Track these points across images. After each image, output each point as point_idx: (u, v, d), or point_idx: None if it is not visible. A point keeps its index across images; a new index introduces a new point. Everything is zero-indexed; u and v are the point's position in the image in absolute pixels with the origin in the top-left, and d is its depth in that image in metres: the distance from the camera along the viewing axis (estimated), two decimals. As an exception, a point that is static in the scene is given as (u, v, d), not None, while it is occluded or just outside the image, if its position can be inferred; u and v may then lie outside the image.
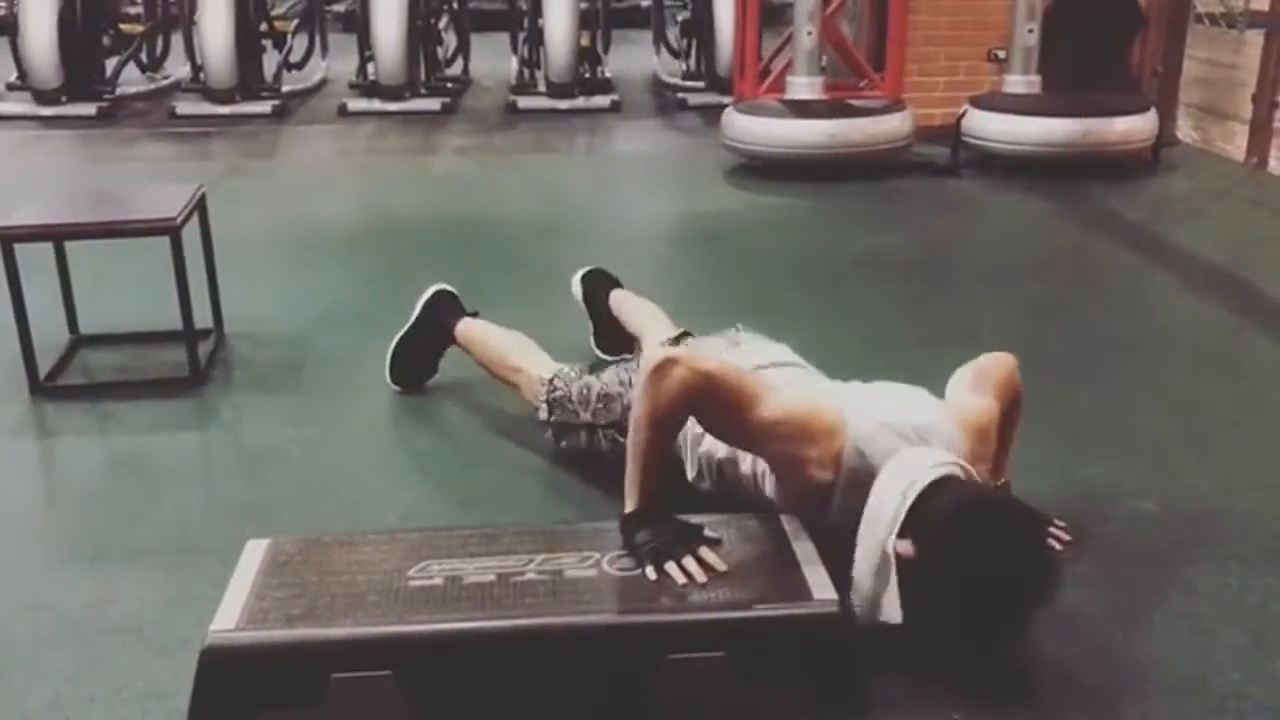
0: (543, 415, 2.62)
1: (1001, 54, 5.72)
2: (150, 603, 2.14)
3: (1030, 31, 5.53)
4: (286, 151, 6.54)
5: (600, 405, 2.50)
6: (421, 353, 3.03)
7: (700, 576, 1.89)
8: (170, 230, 2.98)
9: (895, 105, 5.59)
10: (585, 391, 2.53)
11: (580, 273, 3.23)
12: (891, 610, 1.85)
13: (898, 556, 1.84)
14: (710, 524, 2.04)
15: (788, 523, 2.06)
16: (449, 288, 3.04)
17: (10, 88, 7.42)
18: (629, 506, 2.03)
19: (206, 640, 1.77)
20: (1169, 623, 2.07)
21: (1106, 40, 5.90)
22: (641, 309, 3.03)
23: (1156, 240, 4.58)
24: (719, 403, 2.02)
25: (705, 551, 1.94)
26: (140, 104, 7.57)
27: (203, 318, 3.26)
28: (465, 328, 2.93)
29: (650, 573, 1.90)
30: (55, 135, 6.76)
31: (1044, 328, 3.61)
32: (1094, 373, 3.22)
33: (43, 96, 7.06)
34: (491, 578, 1.90)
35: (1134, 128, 5.43)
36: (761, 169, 5.50)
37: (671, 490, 2.03)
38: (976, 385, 2.22)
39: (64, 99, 7.08)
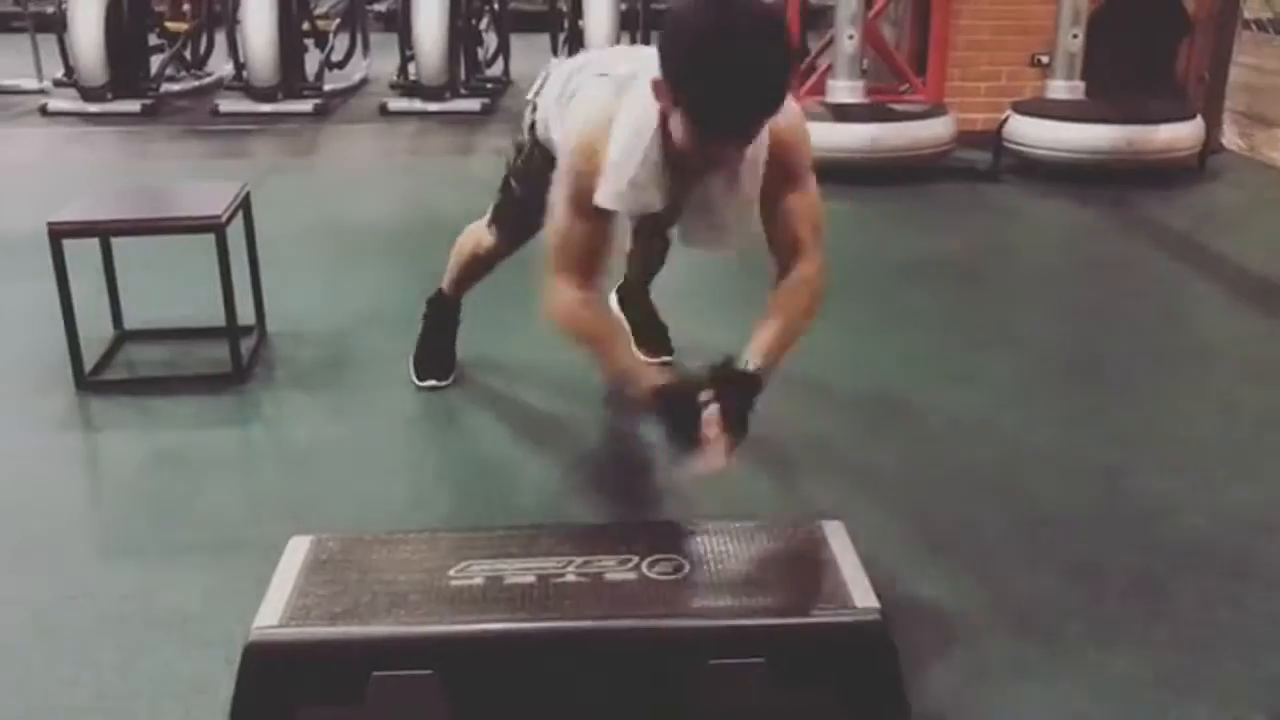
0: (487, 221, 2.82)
1: (1044, 59, 5.68)
2: (193, 597, 2.16)
3: (1075, 36, 5.49)
4: (328, 150, 6.58)
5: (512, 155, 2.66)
6: (440, 340, 3.09)
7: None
8: (215, 228, 3.00)
9: (938, 110, 5.56)
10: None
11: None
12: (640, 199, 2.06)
13: (658, 86, 1.94)
14: (749, 529, 2.04)
15: (828, 528, 2.06)
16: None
17: (58, 84, 7.53)
18: (650, 383, 2.14)
19: (250, 636, 1.78)
20: (1219, 638, 2.04)
21: (1152, 46, 5.85)
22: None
23: (1201, 249, 4.53)
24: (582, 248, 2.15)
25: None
26: (184, 101, 7.64)
27: (245, 315, 3.29)
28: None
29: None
30: (100, 131, 6.84)
31: (1087, 336, 3.57)
32: (1138, 382, 3.19)
33: (89, 93, 7.15)
34: (531, 579, 1.90)
35: (1179, 135, 5.37)
36: (801, 172, 5.48)
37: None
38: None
39: (110, 96, 7.16)
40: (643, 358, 3.05)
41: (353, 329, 3.54)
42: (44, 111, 7.18)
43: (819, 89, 5.78)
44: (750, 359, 2.12)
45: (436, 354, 3.09)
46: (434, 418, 2.97)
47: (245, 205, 3.33)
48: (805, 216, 2.19)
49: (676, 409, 2.08)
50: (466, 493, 2.59)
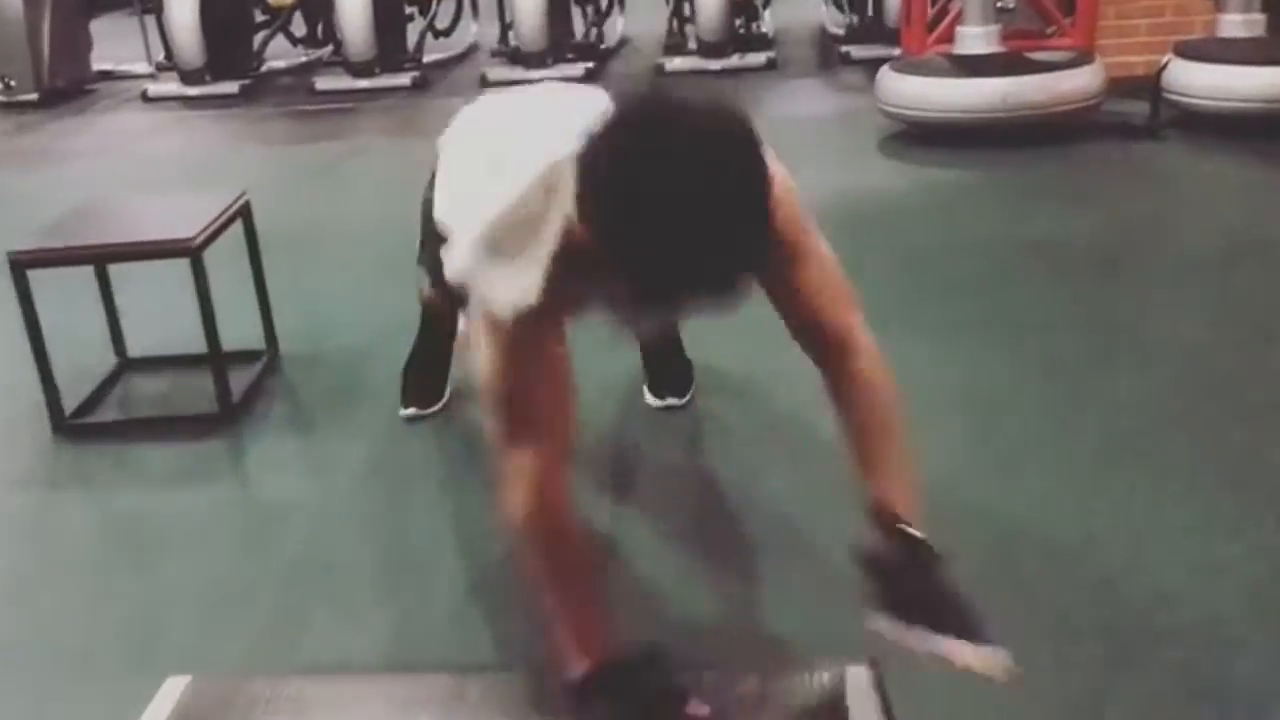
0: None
1: (1218, -12, 4.86)
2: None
3: (1255, -38, 4.66)
4: (421, 127, 6.18)
5: None
6: (432, 360, 2.71)
7: None
8: (188, 252, 2.63)
9: (1082, 57, 4.81)
10: None
11: None
12: None
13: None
14: (756, 681, 1.55)
15: (851, 680, 1.54)
16: None
17: (160, 68, 7.40)
18: (574, 667, 1.52)
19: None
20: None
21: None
22: None
23: None
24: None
25: None
26: (285, 79, 7.43)
27: (255, 339, 3.01)
28: None
29: None
30: (196, 116, 6.65)
31: (1243, 345, 2.87)
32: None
33: (187, 76, 7.00)
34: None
35: (1381, 78, 4.50)
36: (923, 137, 4.82)
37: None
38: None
39: (208, 78, 6.99)
40: None
41: (376, 345, 3.12)
42: (145, 97, 7.04)
43: (947, 37, 5.09)
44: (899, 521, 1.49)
45: (422, 376, 2.73)
46: (428, 472, 2.54)
47: (245, 215, 2.97)
48: (826, 291, 1.60)
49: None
50: (442, 583, 2.14)
